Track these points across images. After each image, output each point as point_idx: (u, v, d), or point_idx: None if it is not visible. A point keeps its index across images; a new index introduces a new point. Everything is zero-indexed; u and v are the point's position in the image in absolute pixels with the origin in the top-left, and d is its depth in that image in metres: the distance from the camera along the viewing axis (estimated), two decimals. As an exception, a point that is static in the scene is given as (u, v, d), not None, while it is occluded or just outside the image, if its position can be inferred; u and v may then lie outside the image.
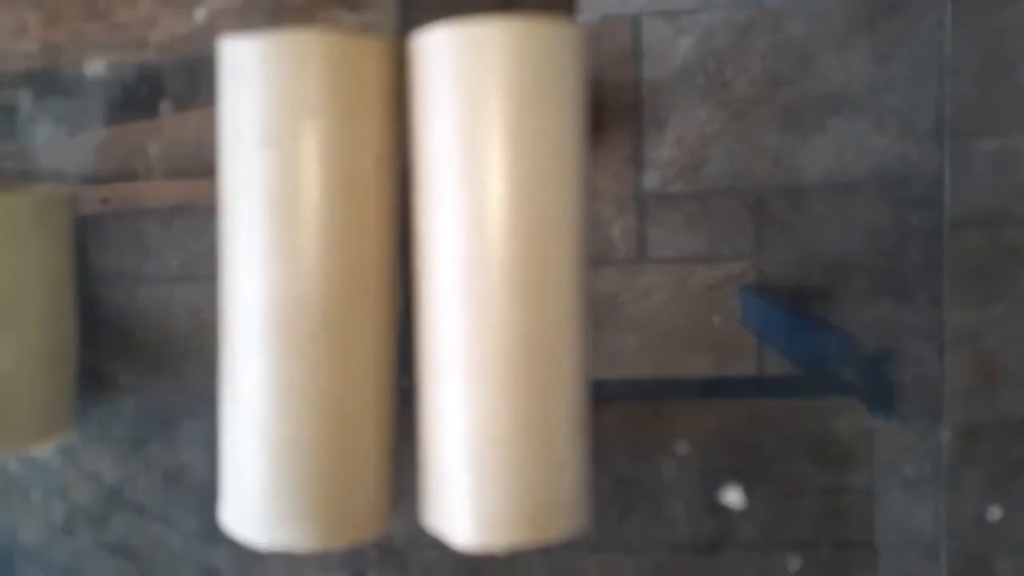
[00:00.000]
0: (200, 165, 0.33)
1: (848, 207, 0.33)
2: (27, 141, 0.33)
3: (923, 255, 0.31)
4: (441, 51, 0.27)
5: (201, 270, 0.33)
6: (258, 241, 0.28)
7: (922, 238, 0.31)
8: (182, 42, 0.32)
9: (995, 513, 0.34)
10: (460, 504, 0.28)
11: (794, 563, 0.32)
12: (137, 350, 0.34)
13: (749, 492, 0.33)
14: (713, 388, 0.34)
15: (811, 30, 0.30)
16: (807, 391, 0.34)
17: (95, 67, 0.33)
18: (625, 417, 0.30)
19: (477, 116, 0.27)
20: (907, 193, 0.31)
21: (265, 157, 0.27)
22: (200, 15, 0.32)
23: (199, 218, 0.33)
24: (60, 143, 0.33)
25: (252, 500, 0.29)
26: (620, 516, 0.32)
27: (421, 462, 0.30)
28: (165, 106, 0.33)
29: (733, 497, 0.33)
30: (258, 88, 0.27)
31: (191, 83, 0.32)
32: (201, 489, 0.35)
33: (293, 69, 0.27)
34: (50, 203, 0.30)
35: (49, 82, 0.33)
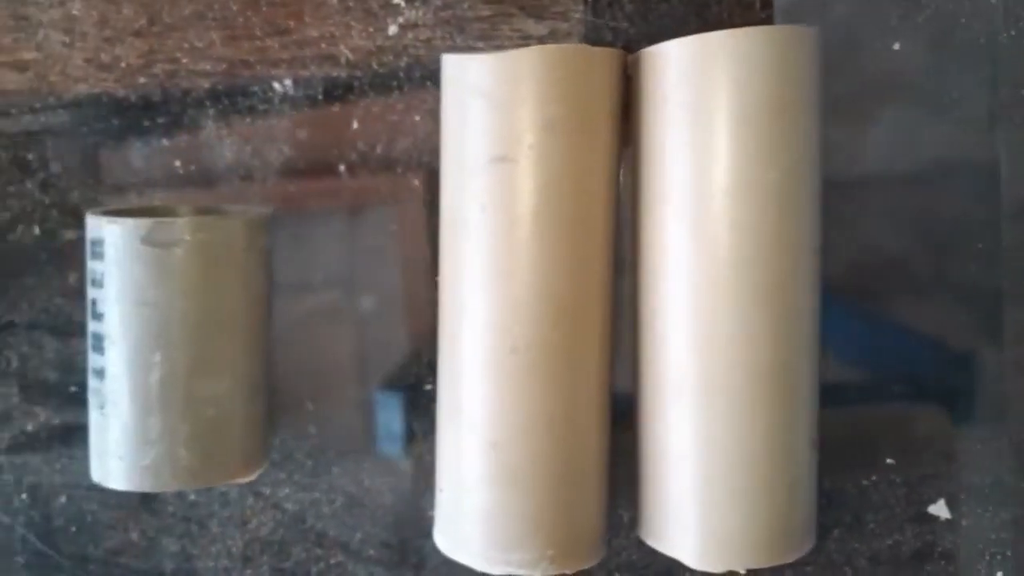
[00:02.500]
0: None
1: (901, 200, 0.31)
2: (213, 160, 0.33)
3: (980, 248, 0.29)
4: (673, 63, 0.26)
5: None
6: (486, 258, 0.27)
7: (978, 231, 0.29)
8: (373, 56, 0.32)
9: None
10: (696, 524, 0.27)
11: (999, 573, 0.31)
12: (315, 370, 0.33)
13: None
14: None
15: (857, 14, 0.29)
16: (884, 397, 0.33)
17: (283, 83, 0.32)
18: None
19: (710, 128, 0.26)
20: (962, 184, 0.30)
21: (497, 172, 0.26)
22: (392, 29, 0.31)
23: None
24: (244, 161, 0.33)
25: (476, 523, 0.28)
26: (821, 530, 0.31)
27: (644, 482, 0.29)
28: (354, 123, 0.32)
29: (939, 508, 0.32)
30: (491, 103, 0.26)
31: (383, 97, 0.32)
32: (385, 515, 0.34)
33: (530, 85, 0.26)
34: (256, 225, 0.29)
35: (234, 100, 0.32)
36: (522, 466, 0.27)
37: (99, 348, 0.28)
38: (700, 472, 0.27)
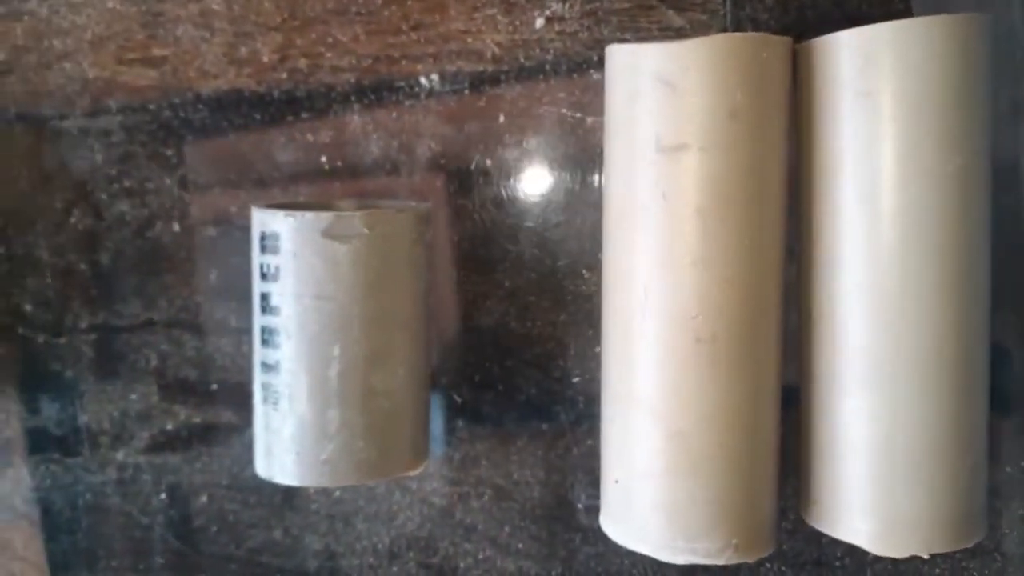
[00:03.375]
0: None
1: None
2: (357, 156, 0.33)
3: (1003, 243, 0.30)
4: (850, 53, 0.26)
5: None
6: (666, 247, 0.27)
7: (1001, 226, 0.30)
8: (520, 50, 0.32)
9: None
10: (876, 508, 0.27)
11: None
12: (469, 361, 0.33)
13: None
14: None
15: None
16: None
17: (429, 78, 0.32)
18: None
19: (891, 117, 0.26)
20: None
21: (679, 160, 0.26)
22: (539, 22, 0.31)
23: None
24: (390, 156, 0.33)
25: (658, 513, 0.28)
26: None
27: (814, 468, 0.29)
28: (500, 116, 0.32)
29: None
30: (674, 91, 0.26)
31: (528, 91, 0.32)
32: (533, 508, 0.34)
33: (715, 72, 0.26)
34: (423, 219, 0.29)
35: (380, 95, 0.32)
36: (707, 455, 0.27)
37: (272, 342, 0.28)
38: (880, 455, 0.27)
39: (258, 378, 0.29)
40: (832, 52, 0.27)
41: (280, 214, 0.28)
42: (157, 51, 0.33)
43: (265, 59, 0.33)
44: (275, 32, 0.32)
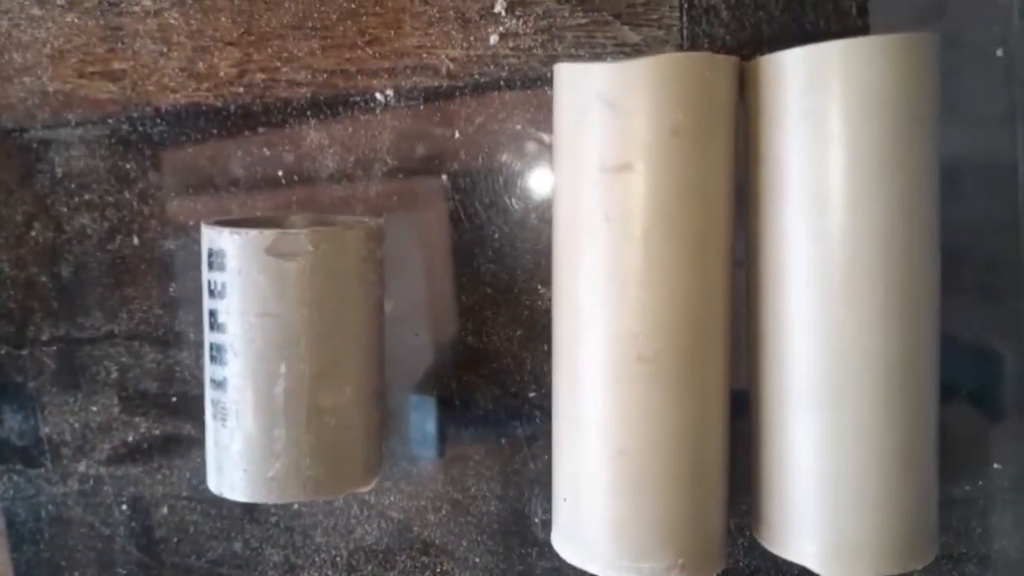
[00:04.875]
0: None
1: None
2: (314, 170, 0.33)
3: (998, 249, 0.29)
4: (794, 72, 0.26)
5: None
6: (610, 266, 0.27)
7: (997, 231, 0.29)
8: (474, 65, 0.31)
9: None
10: (823, 530, 0.27)
11: None
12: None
13: None
14: None
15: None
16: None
17: (384, 93, 0.32)
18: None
19: (835, 136, 0.26)
20: (979, 184, 0.30)
21: (621, 180, 0.26)
22: (494, 39, 0.31)
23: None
24: (346, 171, 0.33)
25: (604, 532, 0.28)
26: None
27: (764, 487, 0.29)
28: (456, 132, 0.32)
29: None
30: (616, 111, 0.26)
31: (483, 107, 0.32)
32: (490, 522, 0.34)
33: (658, 92, 0.26)
34: (374, 235, 0.29)
35: (336, 109, 0.32)
36: (653, 474, 0.27)
37: (220, 359, 0.28)
38: (827, 477, 0.27)
39: (208, 394, 0.29)
40: (778, 70, 0.27)
41: (225, 231, 0.28)
42: (117, 65, 0.33)
43: (222, 73, 0.33)
44: (232, 47, 0.33)
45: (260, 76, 0.33)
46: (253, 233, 0.27)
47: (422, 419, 0.33)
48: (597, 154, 0.27)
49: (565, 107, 0.28)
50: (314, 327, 0.28)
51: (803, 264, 0.27)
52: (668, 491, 0.27)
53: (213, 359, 0.28)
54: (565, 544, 0.29)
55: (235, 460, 0.28)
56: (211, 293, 0.28)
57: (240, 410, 0.28)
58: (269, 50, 0.32)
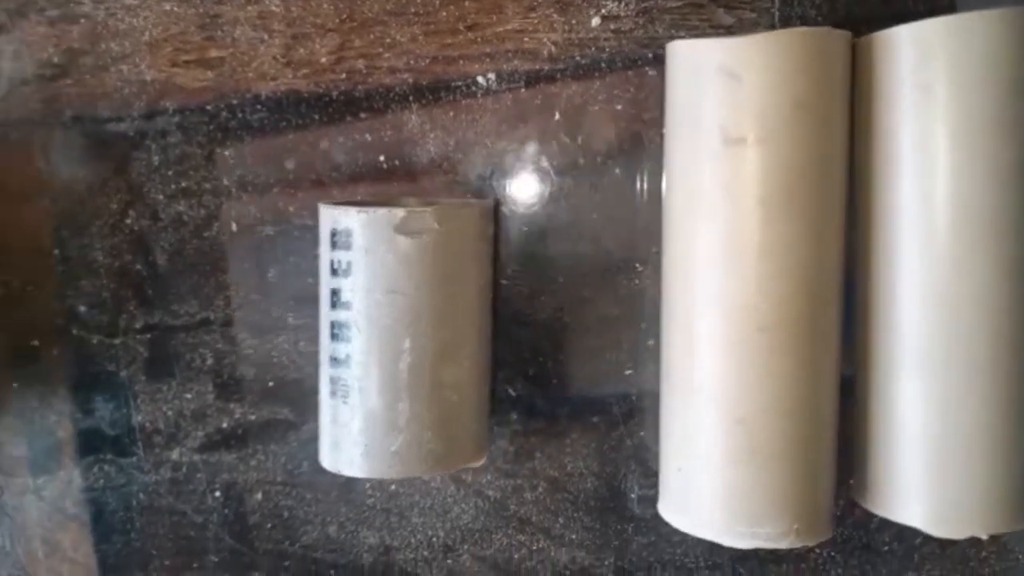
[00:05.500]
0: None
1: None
2: (415, 156, 0.33)
3: None
4: (901, 48, 0.27)
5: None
6: (730, 238, 0.28)
7: None
8: (575, 48, 0.32)
9: None
10: (933, 491, 0.28)
11: None
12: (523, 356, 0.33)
13: None
14: None
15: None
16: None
17: (485, 77, 0.33)
18: None
19: (949, 108, 0.27)
20: None
21: (743, 153, 0.27)
22: (595, 21, 0.32)
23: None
24: (447, 155, 0.33)
25: (720, 500, 0.28)
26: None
27: (871, 452, 0.29)
28: (556, 115, 0.33)
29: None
30: (740, 85, 0.27)
31: (583, 89, 0.32)
32: (586, 499, 0.34)
33: (780, 65, 0.27)
34: (489, 215, 0.30)
35: (437, 95, 0.33)
36: (770, 442, 0.28)
37: (342, 337, 0.29)
38: (936, 439, 0.28)
39: (326, 372, 0.29)
40: (890, 46, 0.28)
41: (352, 210, 0.28)
42: (214, 52, 0.34)
43: (323, 60, 0.33)
44: (333, 33, 0.33)
45: (359, 63, 0.33)
46: (382, 211, 0.28)
47: (519, 398, 0.34)
48: (717, 127, 0.27)
49: (681, 82, 0.29)
50: (437, 303, 0.28)
51: (913, 234, 0.28)
52: (784, 458, 0.28)
53: (334, 337, 0.29)
54: (676, 513, 0.30)
55: (355, 437, 0.29)
56: (334, 272, 0.29)
57: (363, 386, 0.28)
58: (371, 36, 0.33)
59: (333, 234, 0.29)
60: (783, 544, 0.28)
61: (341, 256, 0.28)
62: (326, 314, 0.29)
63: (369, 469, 0.29)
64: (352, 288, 0.28)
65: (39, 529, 0.36)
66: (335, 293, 0.29)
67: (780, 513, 0.28)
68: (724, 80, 0.27)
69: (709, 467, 0.29)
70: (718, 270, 0.28)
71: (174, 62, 0.34)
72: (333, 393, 0.29)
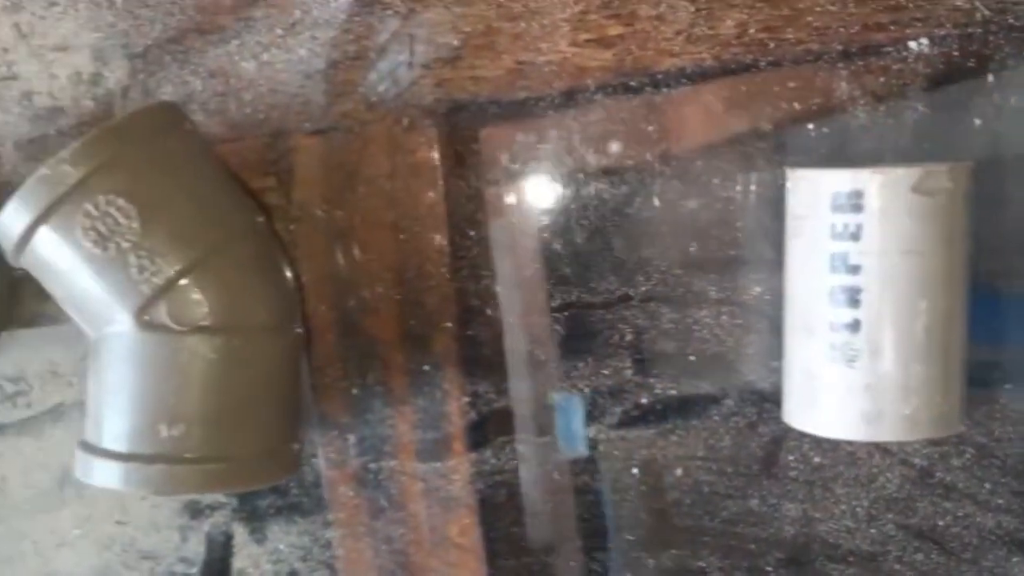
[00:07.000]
0: None
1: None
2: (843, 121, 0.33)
3: None
4: None
5: None
6: None
7: None
8: (1008, 10, 0.32)
9: None
10: None
11: None
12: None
13: None
14: None
15: None
16: None
17: (917, 43, 0.33)
18: None
19: None
20: None
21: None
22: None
23: None
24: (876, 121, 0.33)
25: None
26: None
27: None
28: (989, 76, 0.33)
29: None
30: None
31: (1019, 49, 0.32)
32: (1014, 465, 0.34)
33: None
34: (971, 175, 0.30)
35: (867, 61, 0.33)
36: None
37: (851, 301, 0.29)
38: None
39: (826, 338, 0.29)
40: None
41: (865, 172, 0.28)
42: (612, 31, 0.34)
43: (724, 34, 0.33)
44: (734, 9, 0.33)
45: (762, 35, 0.33)
46: (900, 171, 0.28)
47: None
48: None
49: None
50: (947, 264, 0.28)
51: None
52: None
53: (844, 302, 0.29)
54: None
55: (861, 402, 0.29)
56: (840, 236, 0.29)
57: (877, 349, 0.28)
58: (801, 5, 0.33)
59: (846, 196, 0.28)
60: None
61: (850, 219, 0.28)
62: (827, 279, 0.29)
63: (874, 432, 0.29)
64: (863, 251, 0.28)
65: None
66: (841, 257, 0.29)
67: None
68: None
69: None
70: None
71: (573, 42, 0.34)
72: (839, 359, 0.29)
